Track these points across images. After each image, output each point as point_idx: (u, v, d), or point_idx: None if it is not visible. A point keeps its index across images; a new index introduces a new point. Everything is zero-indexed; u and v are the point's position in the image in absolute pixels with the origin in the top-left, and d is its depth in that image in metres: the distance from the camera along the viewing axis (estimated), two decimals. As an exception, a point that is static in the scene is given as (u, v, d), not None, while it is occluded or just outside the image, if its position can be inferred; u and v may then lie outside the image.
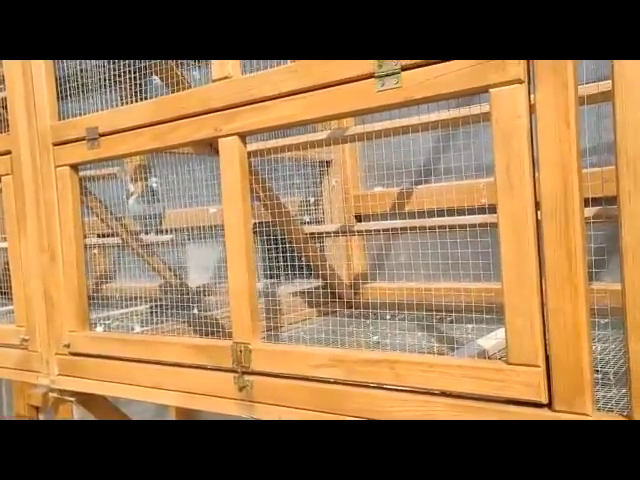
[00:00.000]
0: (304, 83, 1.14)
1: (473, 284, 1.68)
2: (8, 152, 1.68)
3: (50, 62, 1.59)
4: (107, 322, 1.78)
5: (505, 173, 0.93)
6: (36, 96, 1.60)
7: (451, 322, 1.69)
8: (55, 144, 1.57)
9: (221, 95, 1.24)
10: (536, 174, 0.91)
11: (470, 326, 1.60)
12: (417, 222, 1.77)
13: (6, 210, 1.70)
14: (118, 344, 1.49)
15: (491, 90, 0.94)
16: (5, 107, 1.92)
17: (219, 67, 1.25)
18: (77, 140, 1.51)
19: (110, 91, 1.65)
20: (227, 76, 1.24)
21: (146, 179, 2.11)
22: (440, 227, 1.63)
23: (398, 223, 1.86)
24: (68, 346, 1.58)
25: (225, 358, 1.27)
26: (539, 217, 0.92)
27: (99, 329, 1.63)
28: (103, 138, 1.46)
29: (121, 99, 1.60)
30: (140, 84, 1.61)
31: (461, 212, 1.63)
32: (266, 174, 1.82)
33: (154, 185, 1.95)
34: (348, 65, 1.08)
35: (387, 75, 1.03)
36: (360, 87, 1.07)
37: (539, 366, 0.92)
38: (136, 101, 1.55)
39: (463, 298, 1.66)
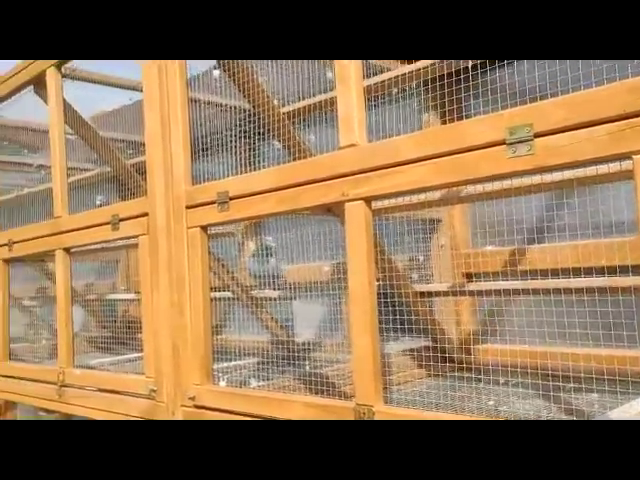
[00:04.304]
0: (431, 150, 1.16)
1: (596, 350, 1.58)
2: (145, 214, 1.81)
3: (187, 127, 1.70)
4: (219, 375, 1.84)
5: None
6: (173, 162, 1.72)
7: (572, 390, 1.60)
8: (188, 207, 1.68)
9: (348, 162, 1.29)
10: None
11: (595, 395, 1.51)
12: (534, 284, 1.71)
13: (141, 267, 1.82)
14: (240, 399, 1.53)
15: (634, 157, 0.92)
16: (139, 171, 2.10)
17: (346, 135, 1.31)
18: (208, 203, 1.61)
19: (232, 154, 1.77)
20: (354, 144, 1.29)
21: (260, 237, 2.21)
22: (559, 290, 1.57)
23: (515, 284, 1.81)
24: (193, 399, 1.63)
25: (347, 419, 1.27)
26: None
27: (222, 383, 1.69)
28: (232, 201, 1.55)
29: (244, 162, 1.70)
30: (259, 147, 1.72)
31: (577, 273, 1.56)
32: (377, 232, 1.85)
33: (269, 244, 2.04)
34: (477, 132, 1.10)
35: (519, 142, 1.04)
36: (490, 154, 1.08)
37: (698, 449, 0.85)
38: (257, 164, 1.65)
39: (590, 365, 1.57)
